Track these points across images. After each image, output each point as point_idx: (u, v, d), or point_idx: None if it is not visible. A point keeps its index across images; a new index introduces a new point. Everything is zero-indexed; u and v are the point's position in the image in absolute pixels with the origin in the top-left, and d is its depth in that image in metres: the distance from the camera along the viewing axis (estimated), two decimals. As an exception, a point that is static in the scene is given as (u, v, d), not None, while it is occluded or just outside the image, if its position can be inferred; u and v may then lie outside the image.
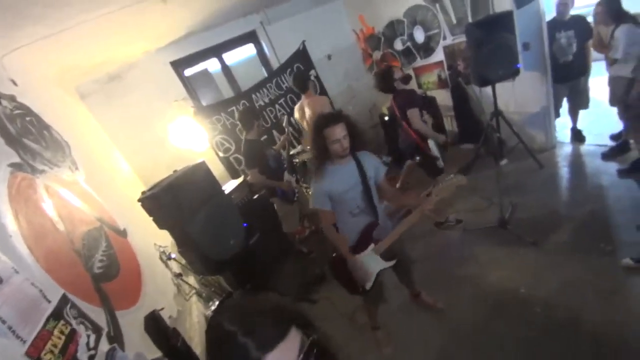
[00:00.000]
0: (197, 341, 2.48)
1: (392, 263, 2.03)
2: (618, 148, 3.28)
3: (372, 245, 1.97)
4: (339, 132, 1.80)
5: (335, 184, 1.90)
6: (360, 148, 1.96)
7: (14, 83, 2.18)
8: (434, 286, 2.65)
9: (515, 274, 2.48)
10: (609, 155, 3.29)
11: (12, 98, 2.02)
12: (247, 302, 0.69)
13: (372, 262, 1.98)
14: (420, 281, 2.55)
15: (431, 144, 3.02)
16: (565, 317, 2.03)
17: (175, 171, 2.53)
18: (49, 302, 1.27)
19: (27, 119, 2.09)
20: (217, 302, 2.98)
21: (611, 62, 3.06)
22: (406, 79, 3.08)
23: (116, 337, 1.59)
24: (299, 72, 3.70)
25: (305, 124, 3.65)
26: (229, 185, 3.60)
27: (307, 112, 3.45)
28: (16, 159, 1.69)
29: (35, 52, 2.33)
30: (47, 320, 1.21)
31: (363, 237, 1.98)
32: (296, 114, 3.66)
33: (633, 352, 1.75)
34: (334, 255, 2.04)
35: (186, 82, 4.55)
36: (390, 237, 1.95)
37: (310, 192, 1.95)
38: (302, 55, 4.79)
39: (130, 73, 4.06)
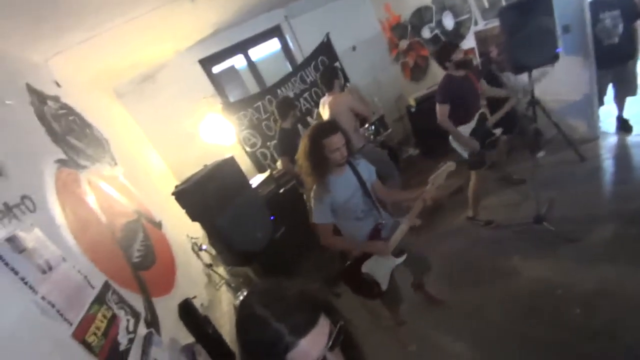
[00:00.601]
0: (227, 329, 2.58)
1: (403, 258, 2.01)
2: None
3: None
4: (338, 140, 1.79)
5: (338, 194, 1.90)
6: (351, 154, 1.96)
7: (58, 85, 2.34)
8: (463, 285, 2.58)
9: (551, 273, 2.35)
10: None
11: (56, 99, 2.18)
12: (278, 287, 0.69)
13: (385, 261, 1.98)
14: (449, 278, 2.48)
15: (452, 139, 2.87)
16: (602, 323, 1.89)
17: (205, 166, 2.63)
18: (93, 288, 1.37)
19: (70, 118, 2.24)
20: (245, 293, 3.08)
21: None
22: (460, 64, 2.74)
23: (153, 322, 1.69)
24: (326, 70, 3.68)
25: None
26: (256, 179, 3.68)
27: (327, 111, 3.40)
28: (62, 156, 1.82)
29: (75, 56, 2.48)
30: (91, 305, 1.30)
31: (372, 238, 1.97)
32: (321, 109, 3.67)
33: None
34: (344, 269, 2.05)
35: (214, 79, 4.67)
36: (398, 233, 1.93)
37: (313, 206, 1.94)
38: (326, 48, 4.76)
39: (161, 72, 4.23)
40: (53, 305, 1.10)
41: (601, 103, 3.56)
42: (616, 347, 1.76)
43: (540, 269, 2.43)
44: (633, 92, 3.38)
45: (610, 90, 3.49)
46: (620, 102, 3.47)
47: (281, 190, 3.67)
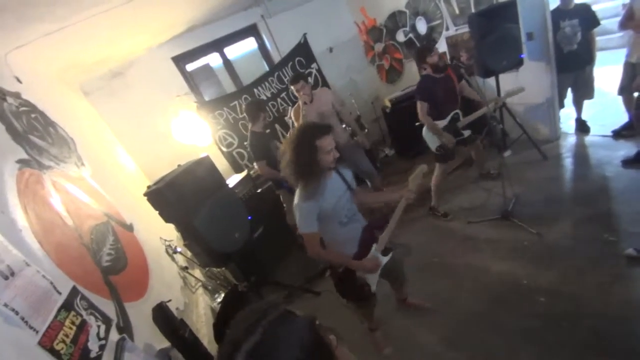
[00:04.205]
0: (204, 332, 2.53)
1: (389, 257, 2.01)
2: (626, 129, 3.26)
3: (374, 246, 1.93)
4: (331, 142, 1.71)
5: (326, 199, 1.78)
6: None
7: (19, 80, 2.20)
8: (436, 278, 2.67)
9: (518, 265, 2.49)
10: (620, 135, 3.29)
11: (17, 95, 2.05)
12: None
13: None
14: (422, 272, 2.56)
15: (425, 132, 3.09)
16: (566, 308, 2.04)
17: (179, 166, 2.56)
18: (60, 294, 1.31)
19: (33, 115, 2.12)
20: (222, 295, 3.03)
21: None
22: (435, 68, 2.90)
23: (125, 328, 1.63)
24: (295, 73, 3.59)
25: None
26: (233, 179, 3.63)
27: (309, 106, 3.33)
28: (23, 155, 1.72)
29: (39, 50, 2.34)
30: (59, 311, 1.24)
31: (365, 242, 1.94)
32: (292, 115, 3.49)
33: (630, 343, 1.76)
34: (338, 271, 1.95)
35: (188, 77, 4.56)
36: (387, 232, 1.93)
37: (298, 214, 1.80)
38: (303, 48, 4.77)
39: (132, 69, 4.08)
40: (17, 313, 1.04)
41: (561, 106, 3.81)
42: (579, 331, 1.90)
43: (507, 261, 2.56)
44: (590, 96, 3.63)
45: (569, 93, 3.74)
46: (578, 104, 3.71)
47: (259, 190, 3.64)
